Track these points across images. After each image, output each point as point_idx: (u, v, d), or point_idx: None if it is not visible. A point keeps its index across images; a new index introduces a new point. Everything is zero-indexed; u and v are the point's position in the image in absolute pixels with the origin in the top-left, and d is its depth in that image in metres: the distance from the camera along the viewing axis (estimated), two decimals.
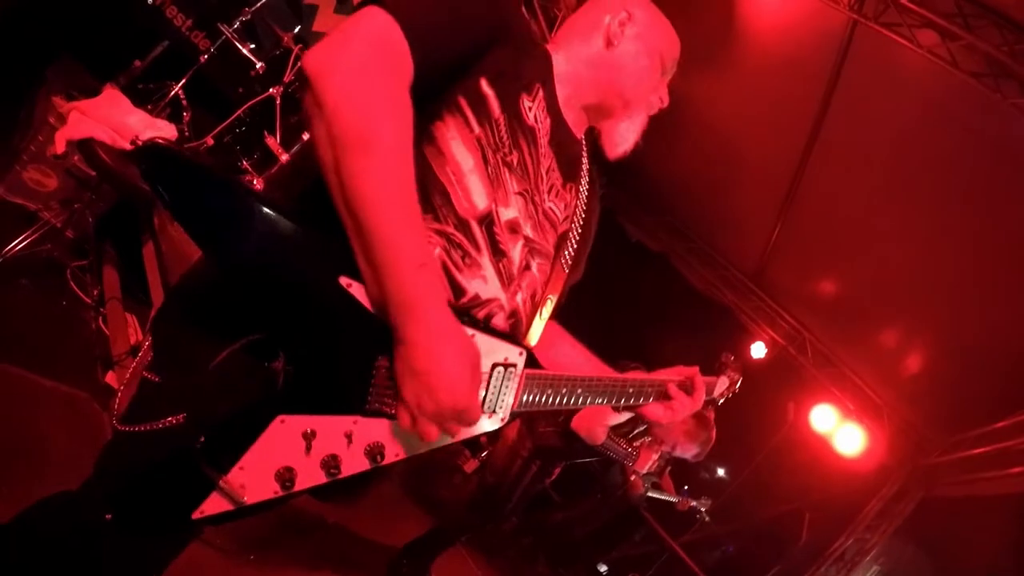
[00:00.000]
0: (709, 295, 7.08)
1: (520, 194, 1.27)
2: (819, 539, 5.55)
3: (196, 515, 0.90)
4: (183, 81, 3.92)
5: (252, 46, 4.24)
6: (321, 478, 0.98)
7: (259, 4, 4.02)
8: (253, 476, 0.92)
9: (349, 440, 1.00)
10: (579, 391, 1.36)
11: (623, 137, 1.48)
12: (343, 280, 0.99)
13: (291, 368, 0.95)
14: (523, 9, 1.25)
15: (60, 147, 3.16)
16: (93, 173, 3.30)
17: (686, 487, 5.21)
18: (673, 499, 4.82)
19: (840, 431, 5.87)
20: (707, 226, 7.17)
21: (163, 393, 1.03)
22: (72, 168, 3.37)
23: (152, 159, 0.87)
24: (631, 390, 1.50)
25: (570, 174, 1.43)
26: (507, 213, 1.23)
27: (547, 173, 1.34)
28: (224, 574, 2.49)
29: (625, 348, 3.86)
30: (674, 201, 7.64)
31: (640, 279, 7.90)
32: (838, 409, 6.01)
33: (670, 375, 1.58)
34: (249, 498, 0.92)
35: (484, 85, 1.19)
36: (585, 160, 1.51)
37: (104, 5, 4.22)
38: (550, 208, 1.36)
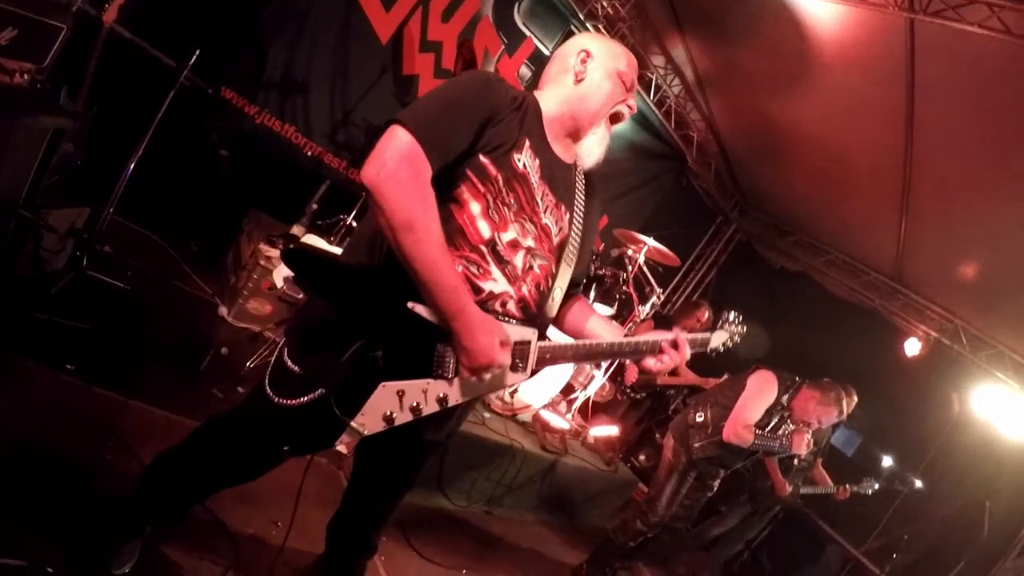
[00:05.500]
0: (854, 302, 7.10)
1: (516, 221, 1.71)
2: (1003, 528, 5.18)
3: (337, 444, 1.55)
4: (354, 212, 4.84)
5: None
6: (410, 416, 1.58)
7: None
8: (369, 419, 1.55)
9: (425, 394, 1.60)
10: (582, 353, 1.90)
11: (590, 151, 1.87)
12: (409, 304, 1.57)
13: (385, 355, 1.56)
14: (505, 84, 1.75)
15: (279, 282, 4.10)
16: (300, 296, 4.07)
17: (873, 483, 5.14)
18: (829, 490, 4.86)
19: (1007, 413, 5.52)
20: (838, 236, 7.24)
21: (306, 378, 1.64)
22: (283, 295, 4.23)
23: (294, 256, 1.52)
24: (628, 350, 1.94)
25: (564, 195, 1.84)
26: (507, 236, 1.69)
27: (541, 199, 1.76)
28: None
29: (790, 365, 4.14)
30: (802, 220, 7.79)
31: (790, 300, 7.99)
32: (1002, 390, 5.68)
33: (663, 335, 1.95)
34: (368, 431, 1.54)
35: (482, 158, 1.64)
36: (578, 179, 1.92)
37: (275, 166, 5.39)
38: (546, 224, 1.79)
